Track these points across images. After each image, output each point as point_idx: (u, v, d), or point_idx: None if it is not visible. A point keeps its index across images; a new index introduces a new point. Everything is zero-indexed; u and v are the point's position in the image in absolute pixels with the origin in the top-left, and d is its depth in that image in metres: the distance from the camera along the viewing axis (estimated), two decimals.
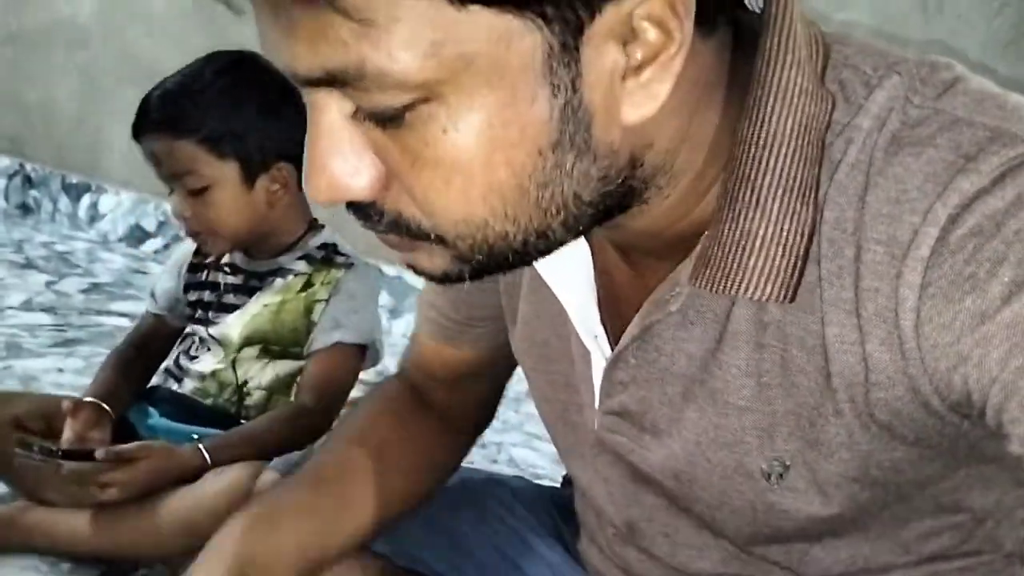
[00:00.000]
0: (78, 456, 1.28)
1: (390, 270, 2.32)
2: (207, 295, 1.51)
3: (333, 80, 0.49)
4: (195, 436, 1.36)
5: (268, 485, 0.92)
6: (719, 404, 0.63)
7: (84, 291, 2.46)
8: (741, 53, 0.58)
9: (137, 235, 2.83)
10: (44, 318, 2.23)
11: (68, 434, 1.33)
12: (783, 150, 0.56)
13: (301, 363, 1.45)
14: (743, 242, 0.57)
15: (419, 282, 0.61)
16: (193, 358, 1.49)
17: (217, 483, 1.26)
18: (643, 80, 0.52)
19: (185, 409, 1.46)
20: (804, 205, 0.56)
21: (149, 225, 2.82)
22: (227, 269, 1.51)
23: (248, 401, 1.46)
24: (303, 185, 0.55)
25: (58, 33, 2.91)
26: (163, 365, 1.54)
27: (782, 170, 0.56)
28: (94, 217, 2.91)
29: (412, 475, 0.87)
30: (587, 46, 0.50)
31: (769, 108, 0.56)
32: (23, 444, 1.29)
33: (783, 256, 0.57)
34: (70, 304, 2.35)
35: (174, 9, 2.67)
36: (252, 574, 0.73)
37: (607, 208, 0.56)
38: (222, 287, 1.51)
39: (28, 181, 3.03)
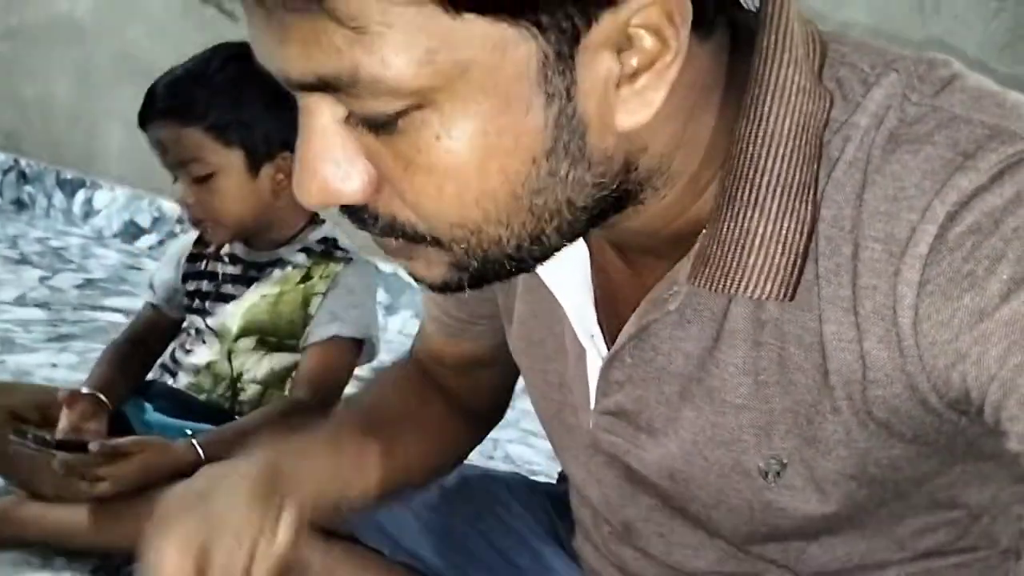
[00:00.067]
0: (72, 447, 1.28)
1: (386, 267, 2.32)
2: (205, 285, 1.51)
3: (326, 86, 0.49)
4: (189, 431, 1.36)
5: None
6: (716, 402, 0.63)
7: (78, 287, 2.46)
8: (738, 52, 0.58)
9: (132, 231, 2.83)
10: (38, 313, 2.22)
11: (64, 424, 1.32)
12: (781, 149, 0.56)
13: (297, 357, 1.45)
14: (742, 241, 0.57)
15: None
16: (188, 352, 1.49)
17: None
18: (638, 87, 0.51)
19: (180, 404, 1.46)
20: (803, 203, 0.56)
21: (144, 221, 2.82)
22: (226, 259, 1.51)
23: (242, 396, 1.46)
24: (294, 189, 0.54)
25: (56, 30, 2.91)
26: (159, 360, 1.54)
27: (780, 168, 0.56)
28: (89, 213, 2.91)
29: (423, 449, 0.87)
30: (582, 54, 0.50)
31: (767, 107, 0.56)
32: (18, 432, 1.29)
33: (782, 254, 0.56)
34: (64, 300, 2.35)
35: (171, 7, 2.67)
36: (279, 485, 0.73)
37: (602, 211, 0.56)
38: (220, 277, 1.51)
39: (23, 176, 3.03)
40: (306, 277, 1.47)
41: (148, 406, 1.46)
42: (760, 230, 0.56)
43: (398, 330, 2.32)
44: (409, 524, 0.86)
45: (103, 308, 2.32)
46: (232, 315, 1.47)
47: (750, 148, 0.56)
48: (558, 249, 0.57)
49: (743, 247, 0.57)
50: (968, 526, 0.68)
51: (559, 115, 0.50)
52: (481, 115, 0.49)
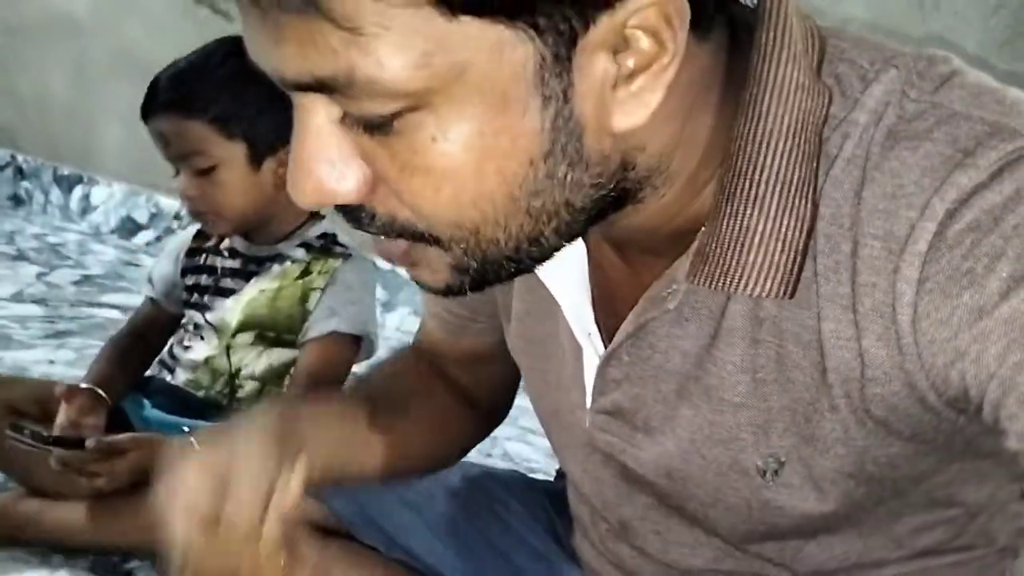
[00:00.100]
0: (68, 444, 1.28)
1: (384, 263, 2.31)
2: (204, 279, 1.51)
3: (321, 86, 0.49)
4: (186, 428, 1.35)
5: None
6: (714, 401, 0.63)
7: (75, 283, 2.45)
8: (737, 48, 0.58)
9: (129, 227, 2.82)
10: (35, 310, 2.22)
11: (62, 419, 1.32)
12: (780, 145, 0.56)
13: (294, 353, 1.45)
14: (741, 238, 0.56)
15: None
16: (187, 348, 1.49)
17: None
18: (634, 89, 0.51)
19: (178, 401, 1.45)
20: (802, 200, 0.56)
21: (141, 217, 2.81)
22: (226, 253, 1.51)
23: (240, 393, 1.46)
24: (288, 188, 0.54)
25: (53, 26, 2.90)
26: (158, 356, 1.54)
27: (780, 165, 0.56)
28: (86, 209, 2.90)
29: (426, 436, 0.87)
30: (579, 56, 0.49)
31: (765, 104, 0.56)
32: (15, 427, 1.29)
33: (782, 252, 0.56)
34: (61, 296, 2.34)
35: (169, 3, 2.66)
36: (293, 441, 0.72)
37: (601, 211, 0.56)
38: (219, 271, 1.51)
39: (20, 172, 3.02)
40: (305, 272, 1.47)
41: (147, 402, 1.46)
42: (760, 228, 0.56)
43: (395, 327, 2.31)
44: (406, 521, 0.86)
45: (100, 304, 2.31)
46: (231, 309, 1.47)
47: (749, 146, 0.56)
48: (557, 250, 0.56)
49: (743, 245, 0.56)
50: (965, 524, 0.67)
51: (556, 117, 0.50)
52: (477, 117, 0.49)
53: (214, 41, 1.45)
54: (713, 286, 0.58)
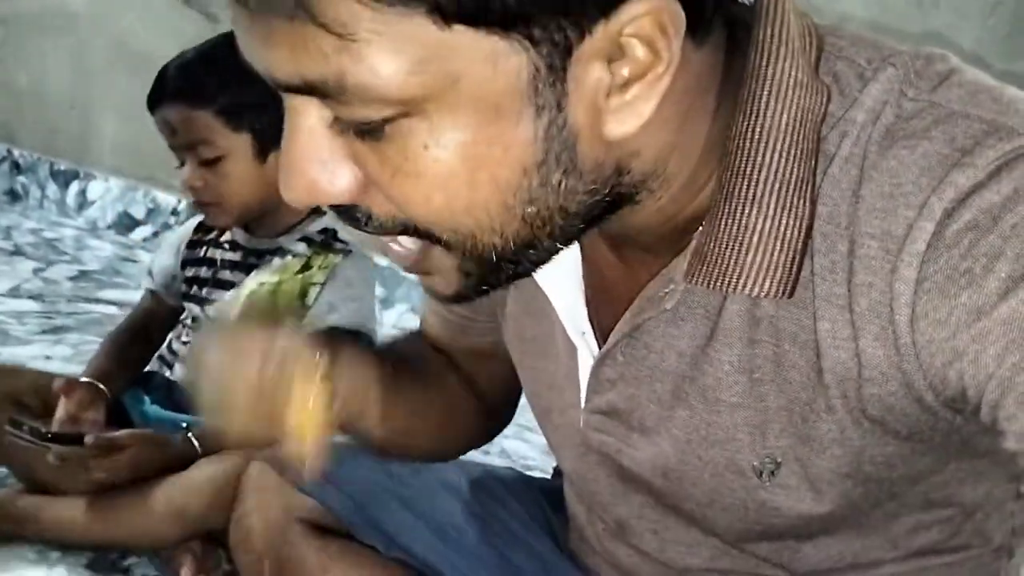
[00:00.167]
0: (67, 440, 1.27)
1: (382, 260, 2.31)
2: (203, 271, 1.51)
3: (312, 89, 0.49)
4: (185, 424, 1.35)
5: (257, 474, 0.91)
6: (710, 401, 0.63)
7: (72, 278, 2.45)
8: (735, 46, 0.57)
9: (126, 223, 2.82)
10: (32, 305, 2.21)
11: (61, 413, 1.32)
12: (779, 144, 0.55)
13: None
14: (740, 238, 0.56)
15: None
16: (186, 343, 1.49)
17: (206, 471, 1.25)
18: (628, 98, 0.51)
19: (177, 397, 1.45)
20: (801, 199, 0.56)
21: (138, 212, 2.80)
22: (226, 245, 1.51)
23: None
24: (280, 187, 0.54)
25: (49, 19, 2.89)
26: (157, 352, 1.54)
27: (778, 164, 0.55)
28: (83, 204, 2.90)
29: (438, 418, 0.86)
30: (574, 66, 0.49)
31: (763, 102, 0.55)
32: (13, 423, 1.28)
33: (781, 251, 0.56)
34: (58, 291, 2.34)
35: None
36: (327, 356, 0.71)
37: (597, 215, 0.56)
38: (219, 263, 1.50)
39: (16, 167, 3.02)
40: (305, 267, 1.47)
41: (147, 398, 1.46)
42: (758, 227, 0.56)
43: (393, 324, 2.31)
44: (405, 521, 0.86)
45: (97, 300, 2.31)
46: (230, 302, 1.47)
47: (747, 144, 0.56)
48: (554, 253, 0.56)
49: (741, 244, 0.56)
50: (961, 524, 0.67)
51: (549, 126, 0.50)
52: (470, 126, 0.49)
53: (222, 33, 1.45)
54: (712, 287, 0.57)
